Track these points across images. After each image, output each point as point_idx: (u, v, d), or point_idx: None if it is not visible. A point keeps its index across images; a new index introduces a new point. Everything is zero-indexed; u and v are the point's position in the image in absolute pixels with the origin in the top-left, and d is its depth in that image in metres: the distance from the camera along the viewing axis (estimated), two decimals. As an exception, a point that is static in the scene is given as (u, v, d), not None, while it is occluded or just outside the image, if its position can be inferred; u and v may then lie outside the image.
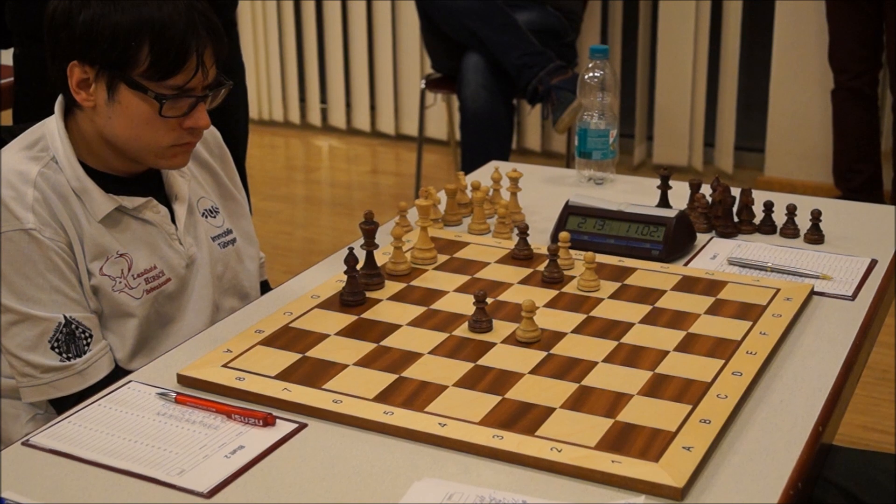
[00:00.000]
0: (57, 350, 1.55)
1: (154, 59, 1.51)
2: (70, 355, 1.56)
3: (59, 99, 1.63)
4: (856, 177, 4.19)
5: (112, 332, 1.63)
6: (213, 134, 1.83)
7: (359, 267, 1.63)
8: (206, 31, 1.55)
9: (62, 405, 1.56)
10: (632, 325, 1.54)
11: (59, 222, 1.57)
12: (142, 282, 1.63)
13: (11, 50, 2.37)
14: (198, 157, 1.79)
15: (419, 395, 1.35)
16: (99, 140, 1.60)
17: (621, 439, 1.24)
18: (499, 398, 1.34)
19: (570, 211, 1.89)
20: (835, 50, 4.13)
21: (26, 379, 1.57)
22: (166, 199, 1.70)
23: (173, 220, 1.69)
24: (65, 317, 1.56)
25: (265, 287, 1.92)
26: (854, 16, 4.02)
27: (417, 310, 1.59)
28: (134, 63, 1.52)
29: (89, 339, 1.58)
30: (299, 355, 1.45)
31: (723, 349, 1.46)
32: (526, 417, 1.29)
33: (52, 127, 1.62)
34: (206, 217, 1.76)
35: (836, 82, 4.17)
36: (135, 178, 1.66)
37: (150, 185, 1.68)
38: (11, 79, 2.39)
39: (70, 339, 1.56)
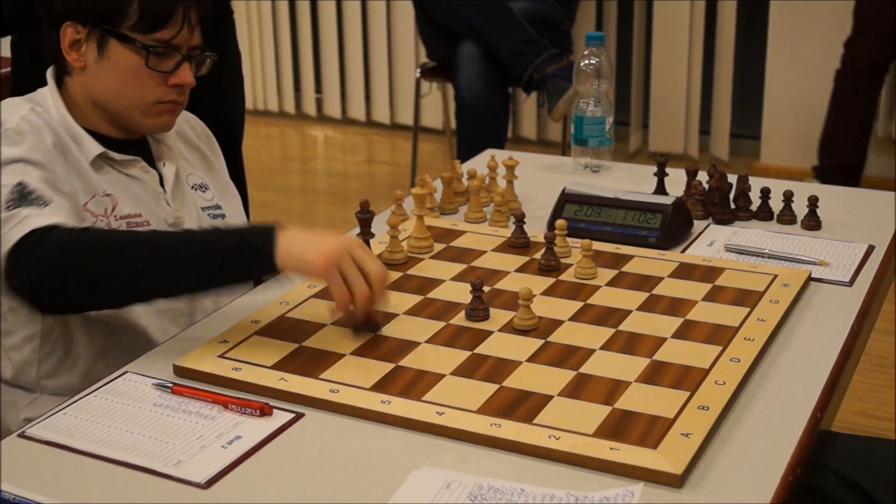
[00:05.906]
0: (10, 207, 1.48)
1: (142, 11, 1.58)
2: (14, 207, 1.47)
3: (50, 70, 1.67)
4: (838, 157, 4.19)
5: None
6: (198, 122, 1.87)
7: (355, 256, 1.62)
8: None
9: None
10: (629, 312, 1.54)
11: (51, 152, 1.57)
12: (123, 224, 1.63)
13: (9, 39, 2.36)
14: (185, 138, 1.82)
15: (416, 383, 1.34)
16: (89, 104, 1.65)
17: (619, 426, 1.24)
18: (496, 386, 1.33)
19: (566, 199, 1.89)
20: (856, 39, 4.09)
21: None
22: (156, 168, 1.71)
23: (162, 186, 1.70)
24: (21, 182, 1.49)
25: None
26: (884, 10, 4.00)
27: (414, 298, 1.59)
28: (124, 17, 1.59)
29: (42, 206, 1.48)
30: (296, 345, 1.45)
31: (720, 336, 1.46)
32: (524, 405, 1.29)
33: (44, 93, 1.67)
34: (196, 190, 1.78)
35: (843, 64, 4.14)
36: (124, 144, 1.68)
37: (139, 152, 1.70)
38: (9, 69, 2.37)
39: (22, 198, 1.49)
